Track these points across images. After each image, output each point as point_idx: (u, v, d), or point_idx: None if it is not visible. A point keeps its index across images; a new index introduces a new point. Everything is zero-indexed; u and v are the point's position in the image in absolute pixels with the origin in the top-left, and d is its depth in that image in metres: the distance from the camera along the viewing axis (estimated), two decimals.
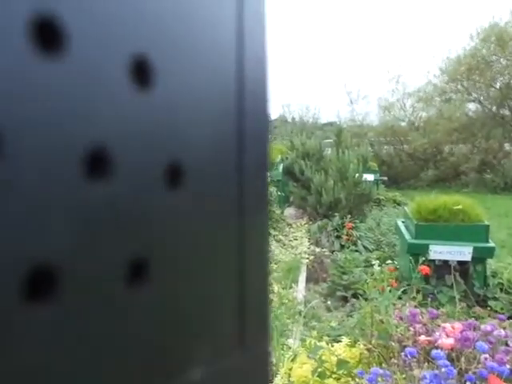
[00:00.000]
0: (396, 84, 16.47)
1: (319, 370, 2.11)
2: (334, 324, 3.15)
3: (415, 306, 2.58)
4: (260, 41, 0.21)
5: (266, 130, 0.21)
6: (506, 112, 15.05)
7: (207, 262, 0.17)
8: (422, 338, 2.16)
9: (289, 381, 2.14)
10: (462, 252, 3.68)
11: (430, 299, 2.98)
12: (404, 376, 1.96)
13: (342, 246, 5.45)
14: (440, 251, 3.71)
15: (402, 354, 2.03)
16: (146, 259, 0.15)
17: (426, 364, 2.02)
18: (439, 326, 2.27)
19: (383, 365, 2.16)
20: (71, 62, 0.12)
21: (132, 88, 0.14)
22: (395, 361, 2.08)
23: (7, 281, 0.11)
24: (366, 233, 5.85)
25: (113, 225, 0.14)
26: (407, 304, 2.69)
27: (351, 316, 3.21)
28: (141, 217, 0.15)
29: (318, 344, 2.31)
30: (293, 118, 17.18)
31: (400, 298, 3.00)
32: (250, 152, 0.19)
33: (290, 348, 2.45)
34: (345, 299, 3.89)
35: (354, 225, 5.82)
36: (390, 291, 2.73)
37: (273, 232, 5.94)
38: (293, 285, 4.02)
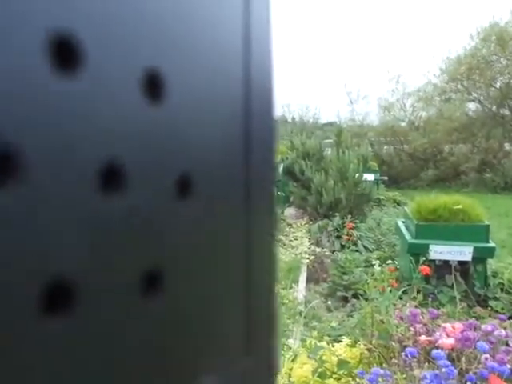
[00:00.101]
0: (396, 84, 16.47)
1: (319, 370, 2.11)
2: (334, 324, 3.16)
3: (416, 306, 2.58)
4: (266, 46, 0.21)
5: (272, 133, 0.21)
6: (506, 112, 15.04)
7: (216, 269, 0.18)
8: (423, 338, 2.16)
9: (289, 381, 2.14)
10: (463, 252, 3.69)
11: (430, 299, 2.98)
12: (404, 376, 1.96)
13: (343, 246, 5.45)
14: (440, 251, 3.71)
15: (403, 354, 2.04)
16: (159, 270, 0.15)
17: (427, 364, 2.03)
18: (440, 326, 2.28)
19: (384, 365, 2.17)
20: (87, 79, 0.13)
21: (144, 102, 0.15)
22: (396, 361, 2.08)
23: (27, 294, 0.12)
24: (366, 233, 5.85)
25: (127, 238, 0.14)
26: (408, 304, 2.69)
27: (351, 316, 3.21)
28: (154, 228, 0.15)
29: (318, 344, 2.32)
30: (293, 118, 17.16)
31: (400, 298, 3.00)
32: (256, 155, 0.20)
33: (290, 348, 2.45)
34: (345, 299, 3.89)
35: (354, 225, 5.82)
36: (390, 291, 2.73)
37: None
38: (293, 285, 4.02)
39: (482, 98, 15.31)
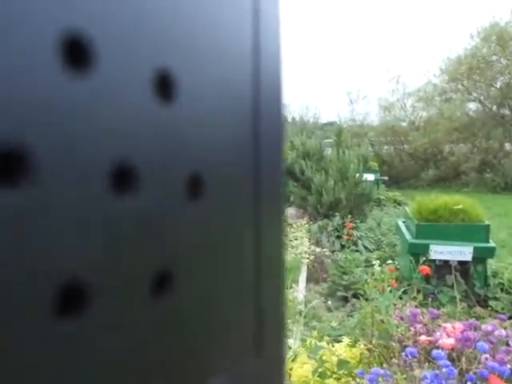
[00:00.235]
0: (396, 84, 16.48)
1: (320, 370, 2.11)
2: (334, 324, 3.16)
3: (416, 306, 2.58)
4: (275, 44, 0.21)
5: (280, 134, 0.21)
6: (507, 112, 15.04)
7: (226, 270, 0.18)
8: (423, 338, 2.16)
9: (289, 381, 2.14)
10: (463, 252, 3.69)
11: (430, 299, 2.98)
12: (405, 376, 1.96)
13: (343, 246, 5.45)
14: (440, 251, 3.71)
15: (403, 354, 2.04)
16: (169, 271, 0.15)
17: (427, 364, 2.03)
18: (440, 326, 2.28)
19: (384, 365, 2.17)
20: (98, 79, 0.13)
21: (155, 102, 0.15)
22: (396, 361, 2.09)
23: (41, 295, 0.12)
24: (366, 233, 5.85)
25: (139, 238, 0.14)
26: (408, 304, 2.69)
27: (352, 316, 3.21)
28: (165, 229, 0.15)
29: (318, 344, 2.32)
30: (293, 118, 17.16)
31: (400, 298, 3.00)
32: (265, 156, 0.20)
33: (290, 348, 2.45)
34: (345, 299, 3.89)
35: (354, 225, 5.82)
36: (390, 291, 2.73)
37: None
38: (293, 285, 4.02)
39: (482, 97, 15.32)
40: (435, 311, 2.49)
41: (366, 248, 5.40)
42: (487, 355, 1.96)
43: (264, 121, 0.20)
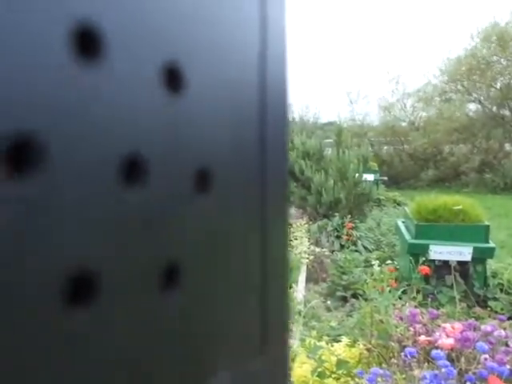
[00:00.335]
0: (396, 84, 16.49)
1: (319, 369, 2.11)
2: (333, 324, 3.16)
3: (415, 306, 2.59)
4: (281, 49, 0.21)
5: (286, 133, 0.21)
6: (507, 112, 15.05)
7: (233, 266, 0.18)
8: (422, 338, 2.16)
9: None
10: (462, 252, 3.69)
11: (429, 299, 2.98)
12: (404, 376, 1.96)
13: (342, 246, 5.45)
14: (440, 251, 3.71)
15: (402, 354, 2.04)
16: (177, 264, 0.15)
17: (426, 364, 2.03)
18: (439, 326, 2.28)
19: (383, 365, 2.17)
20: (109, 69, 0.13)
21: (164, 94, 0.15)
22: (395, 361, 2.09)
23: (53, 285, 0.12)
24: (365, 233, 5.85)
25: (148, 229, 0.14)
26: (407, 304, 2.70)
27: (351, 316, 3.21)
28: (174, 221, 0.15)
29: (317, 344, 2.32)
30: (293, 118, 17.17)
31: (400, 298, 3.00)
32: (271, 158, 0.20)
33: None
34: (344, 299, 3.89)
35: (353, 225, 5.82)
36: (389, 291, 2.74)
37: None
38: (293, 285, 4.02)
39: (482, 98, 15.33)
40: (434, 311, 2.49)
41: (365, 248, 5.40)
42: (486, 355, 1.96)
43: (270, 124, 0.20)
